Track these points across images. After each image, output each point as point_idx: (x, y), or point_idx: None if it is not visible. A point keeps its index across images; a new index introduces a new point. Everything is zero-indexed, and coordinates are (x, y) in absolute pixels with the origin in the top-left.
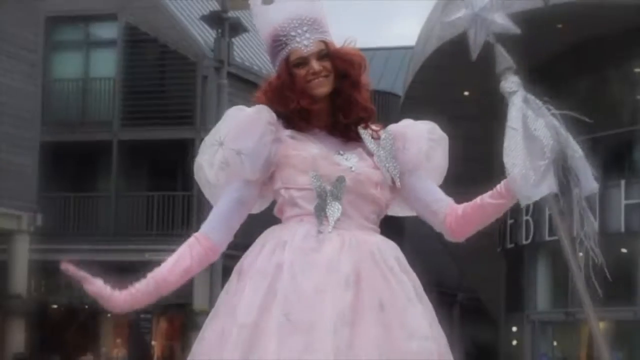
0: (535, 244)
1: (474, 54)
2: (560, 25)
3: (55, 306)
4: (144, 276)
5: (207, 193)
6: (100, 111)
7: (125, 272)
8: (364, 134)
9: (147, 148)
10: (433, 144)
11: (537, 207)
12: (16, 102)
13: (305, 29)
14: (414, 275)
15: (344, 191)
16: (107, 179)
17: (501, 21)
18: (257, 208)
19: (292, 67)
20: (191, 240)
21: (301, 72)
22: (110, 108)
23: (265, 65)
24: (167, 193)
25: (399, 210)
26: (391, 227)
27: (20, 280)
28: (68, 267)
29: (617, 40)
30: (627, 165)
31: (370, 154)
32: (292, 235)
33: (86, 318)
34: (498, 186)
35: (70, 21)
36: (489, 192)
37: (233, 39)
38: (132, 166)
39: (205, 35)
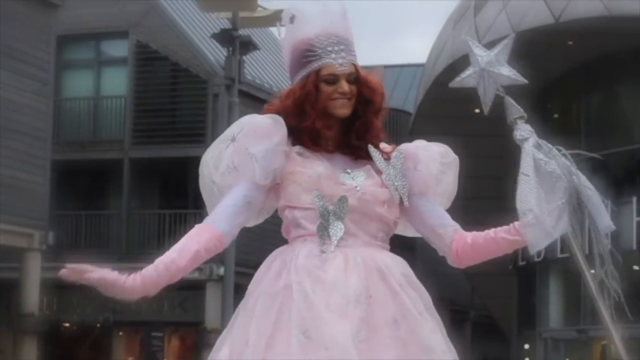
0: (547, 261)
1: (486, 108)
2: (571, 42)
3: (67, 324)
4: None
5: (206, 192)
6: (111, 129)
7: None
8: (374, 152)
9: (158, 166)
10: (444, 168)
11: None
12: (27, 120)
13: (342, 47)
14: (423, 290)
15: (347, 211)
16: (119, 197)
17: (508, 73)
18: (253, 221)
19: (321, 80)
20: (195, 229)
21: (328, 89)
22: (121, 126)
23: (276, 83)
24: (178, 211)
25: (402, 229)
26: (403, 244)
27: (32, 298)
28: (65, 273)
29: (628, 56)
30: (638, 182)
31: (379, 172)
32: (295, 256)
33: (98, 336)
34: (516, 224)
35: (82, 39)
36: (505, 227)
37: (244, 57)
38: (143, 184)
39: (216, 53)
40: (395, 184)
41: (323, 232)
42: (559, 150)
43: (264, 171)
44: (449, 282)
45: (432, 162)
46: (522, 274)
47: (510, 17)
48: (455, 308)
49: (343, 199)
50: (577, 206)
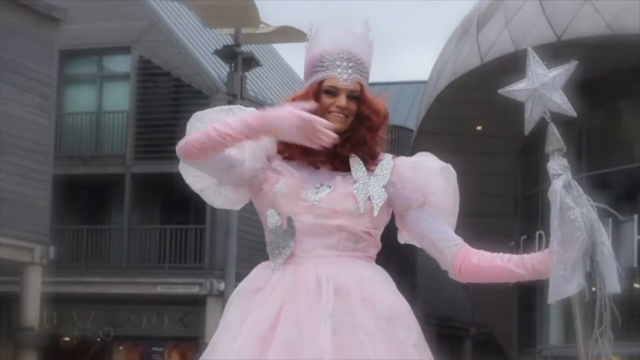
0: (548, 279)
1: (527, 128)
2: (573, 61)
3: (67, 338)
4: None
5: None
6: (113, 144)
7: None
8: (354, 161)
9: (159, 181)
10: (442, 183)
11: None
12: (29, 135)
13: (350, 64)
14: (382, 302)
15: (295, 228)
16: (120, 211)
17: (559, 101)
18: (232, 201)
19: (322, 91)
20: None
21: (328, 100)
22: (123, 141)
23: (278, 99)
24: (179, 226)
25: (408, 239)
26: (403, 261)
27: (33, 313)
28: None
29: (630, 74)
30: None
31: (355, 182)
32: (250, 276)
33: (98, 350)
34: (525, 258)
35: (84, 54)
36: (514, 259)
37: (246, 73)
38: (144, 199)
39: (218, 69)
40: (369, 193)
41: (274, 249)
42: (588, 200)
43: (250, 157)
44: (449, 299)
45: (428, 176)
46: (523, 291)
47: (513, 35)
48: (455, 325)
49: (290, 219)
50: (591, 262)
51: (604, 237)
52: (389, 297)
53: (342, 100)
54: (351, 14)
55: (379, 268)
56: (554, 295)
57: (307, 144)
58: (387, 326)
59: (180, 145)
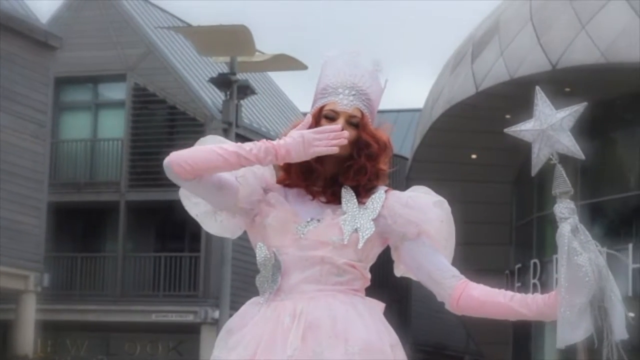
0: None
1: (534, 170)
2: (568, 89)
3: None
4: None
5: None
6: (108, 172)
7: (132, 333)
8: (346, 193)
9: (154, 209)
10: (436, 217)
11: (545, 269)
12: (24, 162)
13: (353, 93)
14: (355, 333)
15: (281, 263)
16: (114, 239)
17: (567, 143)
18: (229, 228)
19: (322, 116)
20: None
21: (326, 124)
22: (118, 168)
23: (273, 127)
24: (174, 254)
25: (405, 272)
26: (397, 289)
27: (27, 340)
28: None
29: (624, 103)
30: (634, 229)
31: (344, 213)
32: (239, 312)
33: None
34: (530, 298)
35: (79, 82)
36: (518, 298)
37: (241, 101)
38: (139, 227)
39: (213, 97)
40: (357, 225)
41: (263, 284)
42: (596, 245)
43: (245, 189)
44: (444, 327)
45: (420, 210)
46: (519, 321)
47: (508, 63)
48: (450, 353)
49: (275, 254)
50: (598, 309)
51: (612, 284)
52: (364, 331)
53: (340, 123)
54: (360, 51)
55: (363, 300)
56: (561, 341)
57: (323, 152)
58: None
59: (173, 159)
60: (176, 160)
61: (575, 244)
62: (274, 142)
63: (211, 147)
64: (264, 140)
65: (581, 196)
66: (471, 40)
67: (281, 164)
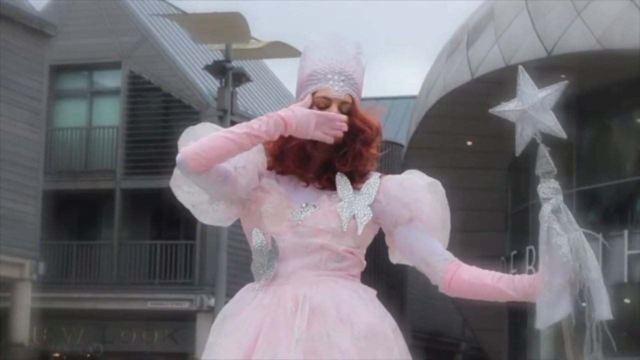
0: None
1: (519, 150)
2: (563, 76)
3: (57, 354)
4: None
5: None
6: (103, 159)
7: (128, 321)
8: (340, 179)
9: (149, 197)
10: (429, 199)
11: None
12: (19, 150)
13: (342, 79)
14: (360, 317)
15: (278, 249)
16: (110, 227)
17: (549, 123)
18: (223, 218)
19: (314, 102)
20: None
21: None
22: (113, 156)
23: None
24: (169, 242)
25: (400, 258)
26: (393, 276)
27: (22, 329)
28: None
29: (620, 90)
30: (630, 215)
31: (341, 200)
32: (234, 299)
33: None
34: (516, 279)
35: (74, 70)
36: (505, 279)
37: (236, 89)
38: (134, 215)
39: (208, 85)
40: (354, 212)
41: (259, 269)
42: (579, 227)
43: (244, 180)
44: (440, 314)
45: (413, 193)
46: (514, 308)
47: (503, 50)
48: (446, 340)
49: (273, 240)
50: (580, 289)
51: (592, 264)
52: (368, 316)
53: (333, 110)
54: (342, 34)
55: (363, 287)
56: (541, 322)
57: (321, 138)
58: (365, 345)
59: (187, 155)
60: (189, 154)
61: (556, 224)
62: (282, 114)
63: (219, 134)
64: (268, 113)
65: (577, 183)
66: (467, 27)
67: (286, 135)
